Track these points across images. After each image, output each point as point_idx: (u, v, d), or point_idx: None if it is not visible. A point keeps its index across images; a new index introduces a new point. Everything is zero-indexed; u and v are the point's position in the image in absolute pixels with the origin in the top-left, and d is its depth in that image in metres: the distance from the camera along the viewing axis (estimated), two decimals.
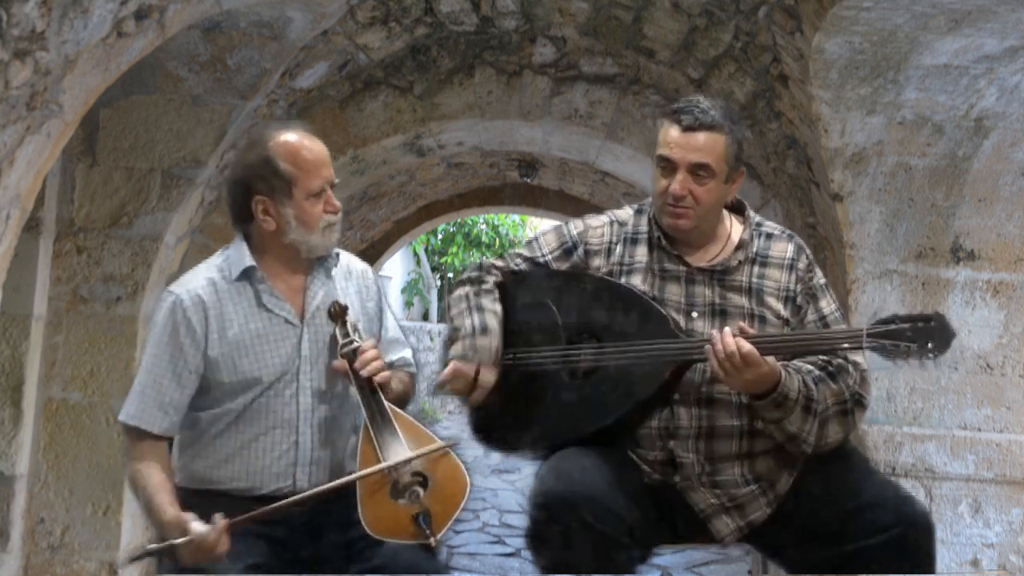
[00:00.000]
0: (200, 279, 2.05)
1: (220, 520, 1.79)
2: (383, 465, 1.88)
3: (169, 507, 1.87)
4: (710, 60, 3.67)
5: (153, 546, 1.81)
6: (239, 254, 2.06)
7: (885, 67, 2.92)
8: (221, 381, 2.00)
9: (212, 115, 3.65)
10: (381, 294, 2.25)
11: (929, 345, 1.85)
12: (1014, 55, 2.82)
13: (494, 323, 2.05)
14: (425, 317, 16.49)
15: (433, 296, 16.36)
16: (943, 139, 3.13)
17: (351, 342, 2.00)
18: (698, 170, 2.00)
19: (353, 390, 2.00)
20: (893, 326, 1.88)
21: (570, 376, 2.04)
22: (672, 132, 2.01)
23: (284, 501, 1.89)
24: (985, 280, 3.26)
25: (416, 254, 15.75)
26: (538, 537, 1.87)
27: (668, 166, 2.02)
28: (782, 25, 3.06)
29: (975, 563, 3.17)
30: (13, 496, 3.44)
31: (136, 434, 1.99)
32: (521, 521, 6.17)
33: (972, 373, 3.24)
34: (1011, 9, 2.57)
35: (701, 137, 1.99)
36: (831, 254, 3.42)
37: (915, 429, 3.23)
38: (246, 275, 2.04)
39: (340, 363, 1.99)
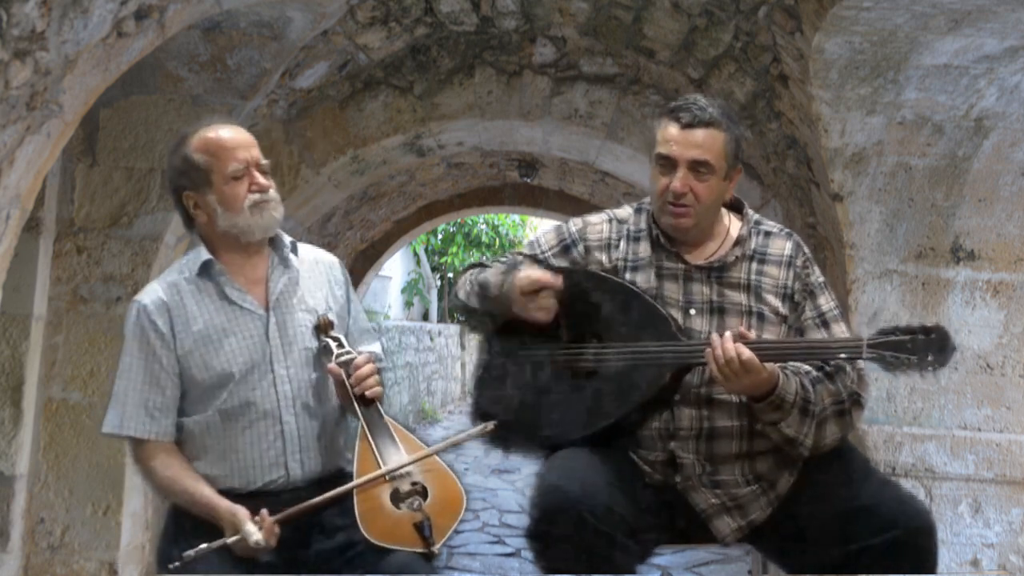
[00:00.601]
0: (162, 283, 2.08)
1: (266, 519, 1.85)
2: (384, 470, 1.90)
3: (215, 498, 1.92)
4: (710, 60, 3.67)
5: (205, 546, 1.83)
6: (197, 253, 2.09)
7: (885, 67, 2.92)
8: (196, 380, 2.02)
9: (212, 115, 3.63)
10: (349, 285, 2.27)
11: (929, 358, 1.85)
12: (1014, 55, 2.82)
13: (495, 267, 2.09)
14: (425, 317, 16.48)
15: (433, 296, 16.35)
16: (943, 139, 3.13)
17: (347, 352, 2.03)
18: (698, 167, 1.99)
19: (337, 398, 2.05)
20: (893, 337, 1.87)
21: (572, 376, 2.04)
22: (671, 129, 2.01)
23: (329, 494, 1.92)
24: (985, 280, 3.26)
25: (416, 254, 15.74)
26: (539, 537, 1.87)
27: (668, 164, 2.01)
28: (782, 25, 3.06)
29: (975, 563, 3.17)
30: (13, 496, 3.44)
31: (136, 444, 2.02)
32: (521, 521, 6.18)
33: (972, 373, 3.23)
34: (1011, 9, 2.57)
35: (700, 134, 1.99)
36: (831, 254, 3.42)
37: (915, 429, 3.23)
38: (206, 271, 2.07)
39: (335, 369, 2.01)
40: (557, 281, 1.98)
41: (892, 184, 3.21)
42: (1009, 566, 3.17)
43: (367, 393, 1.99)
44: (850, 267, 3.25)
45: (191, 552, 1.82)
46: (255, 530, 1.83)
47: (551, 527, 1.83)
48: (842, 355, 1.96)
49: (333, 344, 2.05)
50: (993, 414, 3.24)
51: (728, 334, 1.88)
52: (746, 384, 1.88)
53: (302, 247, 2.21)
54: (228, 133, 2.06)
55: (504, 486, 7.57)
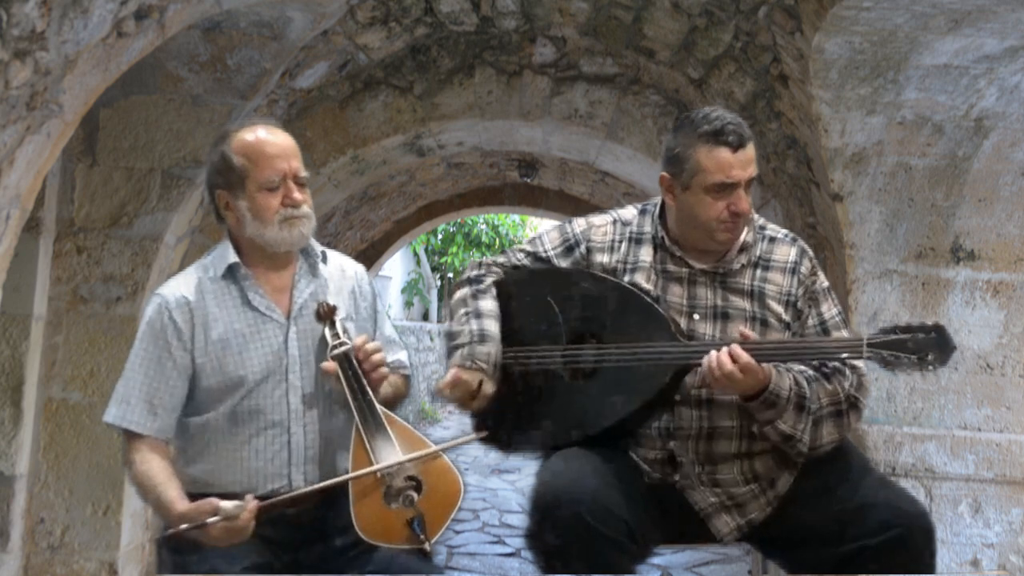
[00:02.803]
0: (186, 280, 2.05)
1: (251, 500, 1.79)
2: (376, 467, 1.87)
3: (180, 501, 1.85)
4: (710, 60, 3.67)
5: (188, 526, 1.78)
6: (223, 252, 2.06)
7: (885, 67, 2.92)
8: (208, 382, 1.99)
9: (212, 115, 3.65)
10: (376, 296, 2.24)
11: (929, 357, 1.86)
12: (1014, 55, 2.82)
13: (493, 328, 2.04)
14: (425, 317, 16.49)
15: (433, 296, 16.36)
16: (943, 139, 3.13)
17: (342, 344, 1.97)
18: (750, 182, 2.00)
19: (342, 392, 1.98)
20: (893, 336, 1.87)
21: (571, 377, 2.04)
22: (723, 155, 1.97)
23: (311, 487, 1.89)
24: (985, 280, 3.26)
25: (416, 254, 15.75)
26: (539, 538, 1.87)
27: (727, 189, 1.99)
28: (782, 25, 3.06)
29: (975, 563, 3.17)
30: (13, 496, 3.44)
31: (128, 436, 1.99)
32: (521, 521, 6.18)
33: (972, 373, 3.24)
34: (1011, 9, 2.58)
35: (749, 150, 2.00)
36: (831, 254, 3.42)
37: (915, 429, 3.23)
38: (231, 273, 2.04)
39: (330, 365, 1.95)
40: (480, 397, 1.99)
41: (892, 184, 3.21)
42: (1009, 566, 3.17)
43: (373, 375, 1.94)
44: (850, 267, 3.25)
45: (171, 530, 1.79)
46: (235, 504, 1.76)
47: (551, 527, 1.83)
48: (842, 355, 1.96)
49: (329, 335, 1.99)
50: (993, 414, 3.24)
51: (724, 350, 1.88)
52: (743, 387, 1.89)
53: (331, 255, 2.18)
54: (271, 139, 2.01)
55: (504, 486, 7.57)
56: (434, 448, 1.93)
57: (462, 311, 2.10)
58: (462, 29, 4.18)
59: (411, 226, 8.50)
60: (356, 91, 4.39)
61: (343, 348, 1.96)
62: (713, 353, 1.89)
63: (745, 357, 1.86)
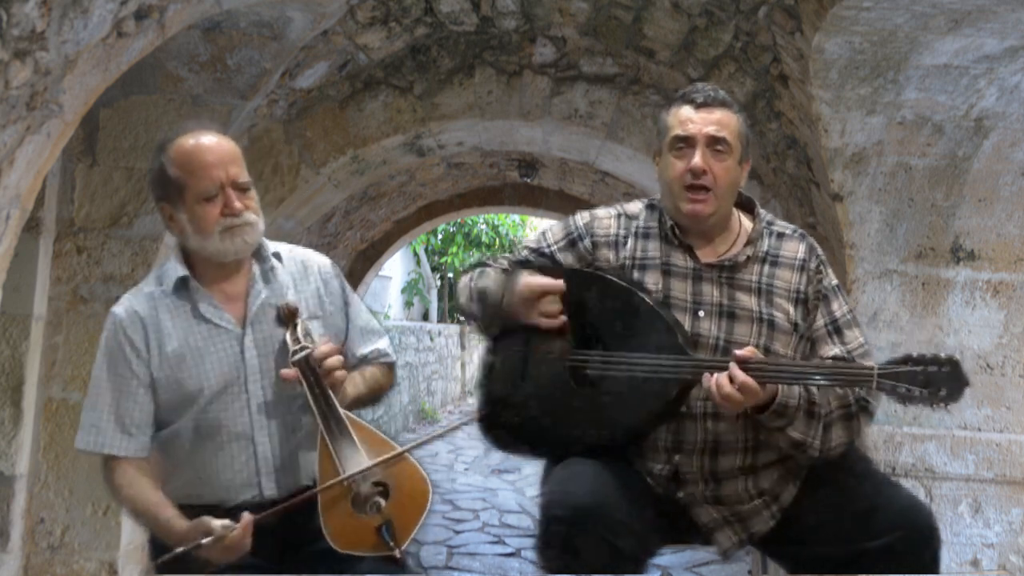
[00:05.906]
0: (139, 294, 2.01)
1: (245, 515, 1.78)
2: (341, 478, 1.83)
3: (178, 520, 1.83)
4: (710, 60, 3.67)
5: (182, 549, 1.76)
6: (174, 265, 2.00)
7: (885, 67, 2.92)
8: (167, 396, 1.95)
9: (212, 115, 3.65)
10: (344, 288, 2.16)
11: (941, 392, 1.78)
12: (1014, 55, 2.83)
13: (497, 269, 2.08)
14: (425, 317, 16.49)
15: (433, 296, 16.36)
16: (943, 139, 3.13)
17: (302, 348, 1.90)
18: (716, 144, 1.96)
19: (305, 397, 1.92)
20: (905, 368, 1.79)
21: (576, 383, 1.98)
22: (686, 110, 1.99)
23: (303, 495, 1.85)
24: (985, 280, 3.27)
25: (416, 254, 15.75)
26: (550, 549, 1.83)
27: (685, 145, 1.97)
28: (782, 25, 3.06)
29: (975, 563, 3.17)
30: (13, 496, 3.45)
31: (107, 460, 1.95)
32: (521, 521, 6.18)
33: (972, 373, 3.19)
34: (1011, 9, 2.58)
35: (717, 113, 1.98)
36: (831, 254, 3.42)
37: (915, 429, 3.23)
38: (182, 285, 1.98)
39: (290, 372, 1.89)
40: (558, 284, 1.94)
41: (892, 184, 3.21)
42: (1009, 566, 3.17)
43: (329, 379, 1.87)
44: (850, 267, 3.25)
45: (167, 556, 1.75)
46: (224, 523, 1.75)
47: (565, 540, 1.79)
48: (851, 383, 1.90)
49: (289, 340, 1.93)
50: (993, 414, 3.24)
51: (724, 374, 1.82)
52: (747, 404, 1.84)
53: (288, 253, 2.11)
54: (206, 146, 1.92)
55: (504, 486, 7.57)
56: (399, 449, 1.88)
57: (468, 280, 2.11)
58: (462, 29, 4.18)
59: (411, 226, 8.50)
60: (356, 91, 4.39)
61: (303, 353, 1.90)
62: (713, 377, 1.84)
63: (741, 377, 1.80)
